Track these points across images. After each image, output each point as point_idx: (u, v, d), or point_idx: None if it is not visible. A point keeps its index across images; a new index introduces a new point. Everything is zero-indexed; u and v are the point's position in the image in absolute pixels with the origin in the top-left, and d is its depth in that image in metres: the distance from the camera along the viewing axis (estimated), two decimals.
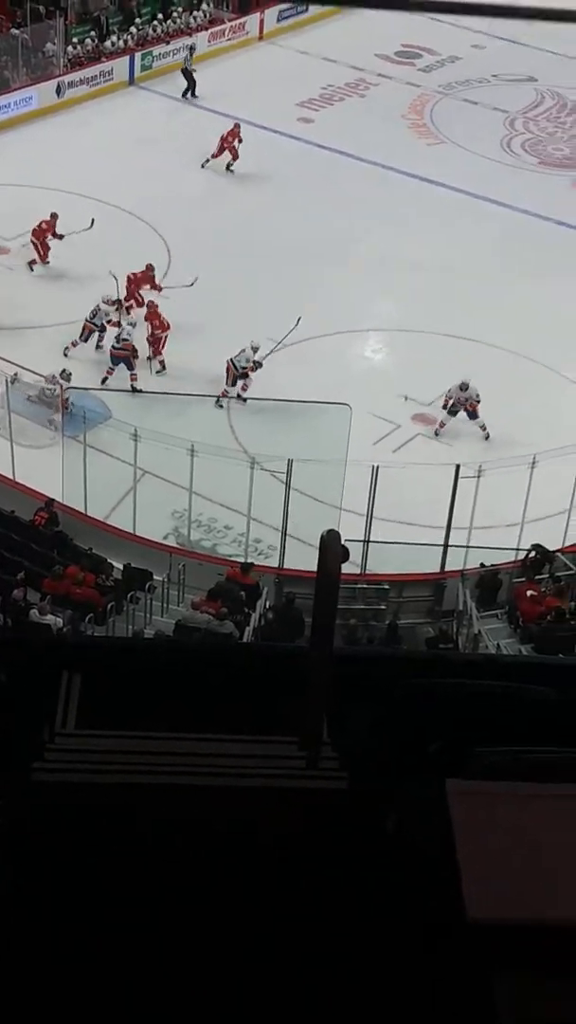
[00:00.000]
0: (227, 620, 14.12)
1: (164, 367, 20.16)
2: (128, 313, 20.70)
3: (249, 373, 19.36)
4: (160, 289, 21.35)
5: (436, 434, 19.17)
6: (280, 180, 26.48)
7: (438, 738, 2.52)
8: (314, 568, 2.74)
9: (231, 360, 19.35)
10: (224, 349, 19.48)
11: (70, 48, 30.46)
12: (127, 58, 31.22)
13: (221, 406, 19.31)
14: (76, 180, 25.06)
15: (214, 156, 26.54)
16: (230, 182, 26.32)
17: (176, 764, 2.66)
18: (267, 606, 15.55)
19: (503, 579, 16.23)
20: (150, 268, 21.62)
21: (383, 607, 16.09)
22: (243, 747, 2.76)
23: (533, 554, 16.19)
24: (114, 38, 31.48)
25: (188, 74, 30.51)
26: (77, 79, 30.16)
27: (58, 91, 29.71)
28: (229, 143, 26.47)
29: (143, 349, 19.97)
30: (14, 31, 29.83)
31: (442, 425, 19.18)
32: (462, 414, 19.03)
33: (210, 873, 2.34)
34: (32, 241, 22.72)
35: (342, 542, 2.92)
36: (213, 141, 26.73)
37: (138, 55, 31.43)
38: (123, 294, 21.01)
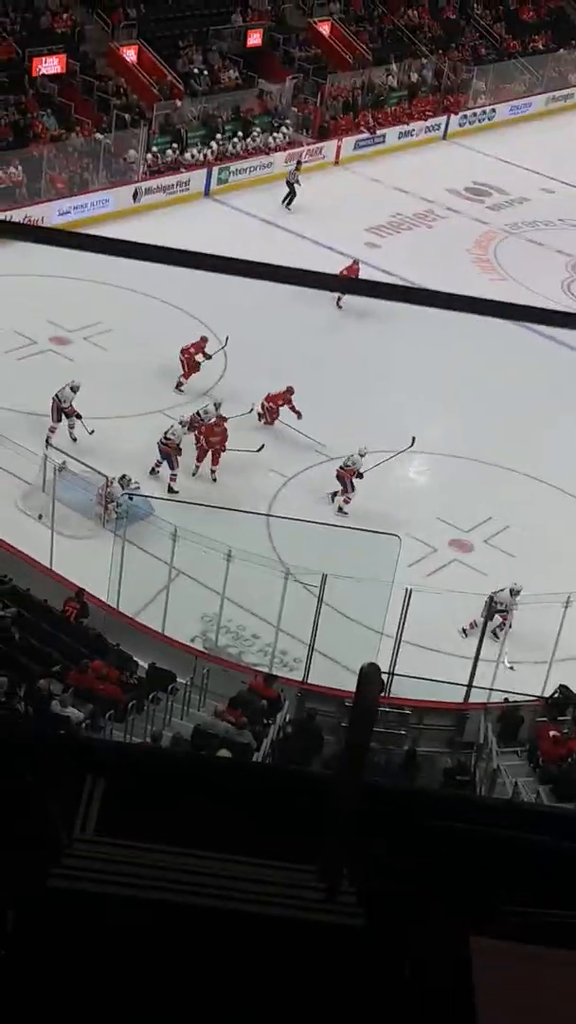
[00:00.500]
0: (246, 730, 14.02)
1: (215, 477, 20.33)
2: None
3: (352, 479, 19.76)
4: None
5: (464, 633, 17.41)
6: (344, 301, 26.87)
7: (460, 885, 2.49)
8: (337, 685, 2.73)
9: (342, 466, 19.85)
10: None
11: (150, 156, 31.30)
12: (205, 171, 32.03)
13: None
14: (144, 281, 25.53)
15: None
16: (285, 299, 26.66)
17: (191, 883, 2.64)
18: (287, 719, 15.43)
19: (524, 716, 16.06)
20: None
21: (403, 732, 15.92)
22: (260, 871, 2.73)
23: (557, 695, 16.05)
24: (194, 150, 32.33)
25: (291, 185, 31.56)
26: (154, 186, 30.94)
27: (135, 196, 30.47)
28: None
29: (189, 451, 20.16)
30: (98, 135, 30.71)
31: (472, 626, 17.25)
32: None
33: (216, 1001, 2.31)
34: (181, 360, 22.73)
35: (381, 675, 2.92)
36: (273, 253, 27.20)
37: (216, 169, 32.25)
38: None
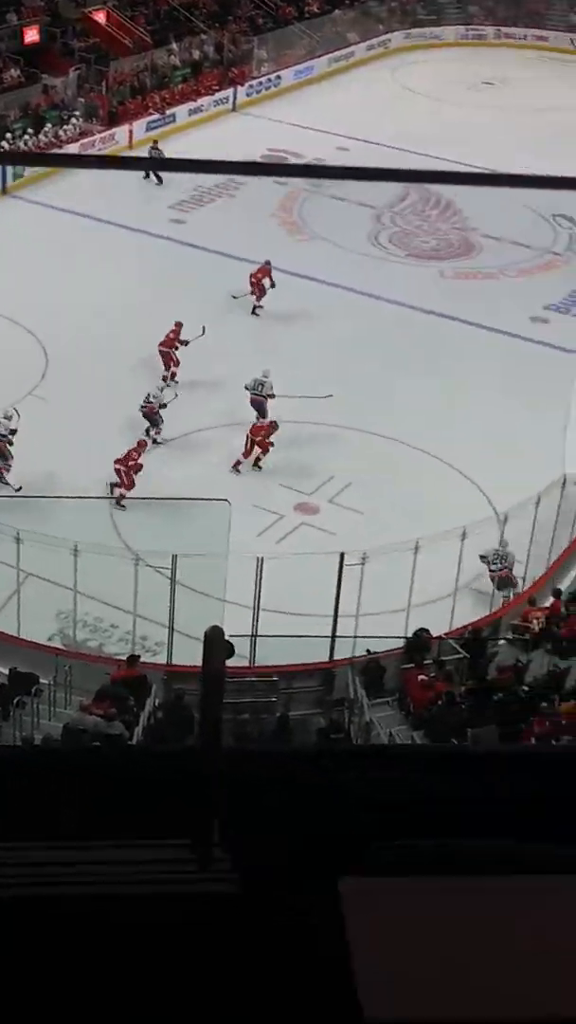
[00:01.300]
0: (116, 721, 13.90)
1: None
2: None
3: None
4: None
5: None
6: (154, 280, 26.70)
7: (331, 835, 2.48)
8: (200, 662, 2.71)
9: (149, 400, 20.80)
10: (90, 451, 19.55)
11: None
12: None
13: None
14: None
15: (252, 295, 25.61)
16: (102, 282, 26.39)
17: (64, 874, 2.58)
18: (156, 704, 15.36)
19: (386, 665, 16.29)
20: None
21: (273, 699, 16.00)
22: (133, 853, 2.69)
23: (414, 638, 16.34)
24: None
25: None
26: None
27: None
28: (258, 280, 25.60)
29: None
30: None
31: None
32: None
33: (97, 983, 2.26)
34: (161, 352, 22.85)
35: (226, 637, 2.89)
36: (83, 249, 26.99)
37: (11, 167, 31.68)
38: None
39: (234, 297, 25.31)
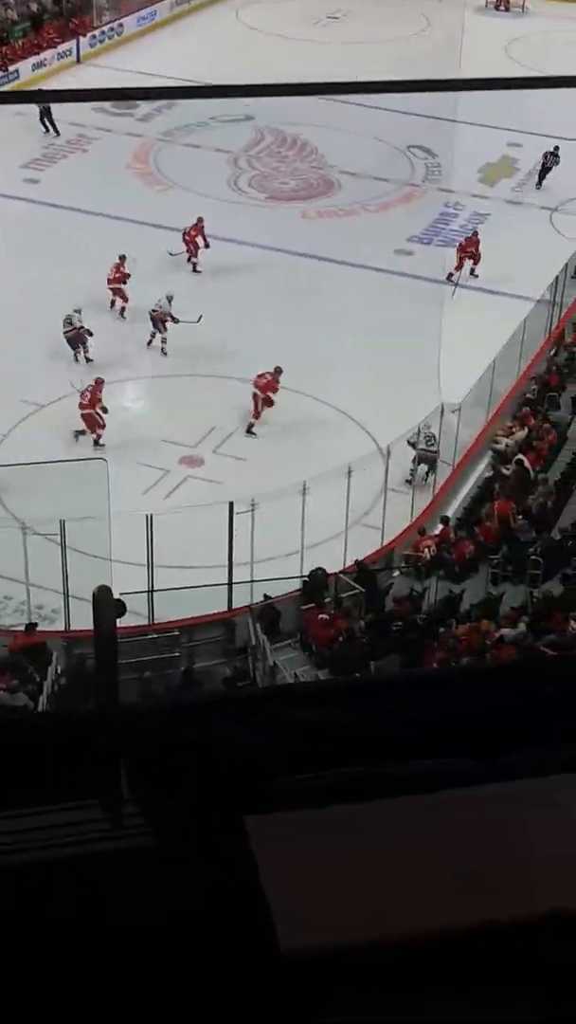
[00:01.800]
0: (19, 692, 13.81)
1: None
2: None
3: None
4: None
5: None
6: (13, 242, 26.23)
7: (236, 778, 2.50)
8: None
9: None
10: None
11: None
12: None
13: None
14: None
15: (185, 252, 25.68)
16: None
17: None
18: (58, 671, 15.28)
19: (286, 608, 16.42)
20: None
21: (176, 654, 16.03)
22: (42, 819, 2.68)
23: (309, 578, 16.49)
24: None
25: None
26: None
27: None
28: (192, 238, 25.53)
29: None
30: None
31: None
32: None
33: (20, 951, 2.26)
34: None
35: (116, 596, 2.88)
36: None
37: None
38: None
39: (171, 254, 25.41)
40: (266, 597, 16.37)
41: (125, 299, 23.48)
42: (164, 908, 2.17)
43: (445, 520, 18.24)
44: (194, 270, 25.52)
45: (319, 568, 16.60)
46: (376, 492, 17.87)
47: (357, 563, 17.05)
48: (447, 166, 29.93)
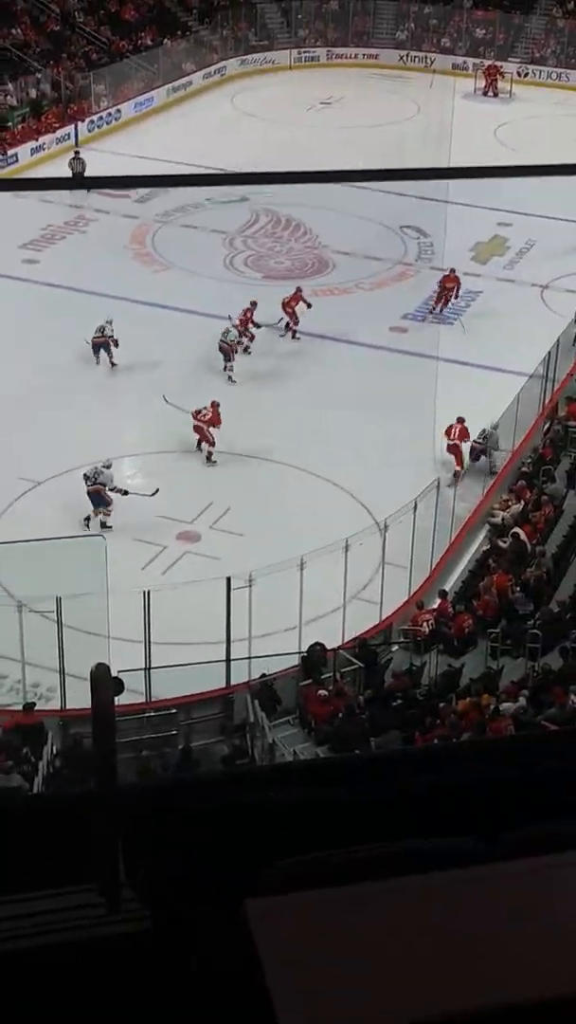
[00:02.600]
0: (13, 773, 13.67)
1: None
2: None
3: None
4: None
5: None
6: (12, 322, 26.44)
7: (235, 859, 2.47)
8: None
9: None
10: None
11: None
12: None
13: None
14: None
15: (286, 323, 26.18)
16: None
17: None
18: (54, 751, 15.14)
19: (284, 684, 16.35)
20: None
21: (174, 732, 15.91)
22: (39, 904, 2.64)
23: (308, 654, 16.42)
24: None
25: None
26: None
27: None
28: (292, 306, 25.93)
29: None
30: None
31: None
32: None
33: None
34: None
35: (114, 674, 2.87)
36: None
37: None
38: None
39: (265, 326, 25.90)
40: (264, 675, 16.27)
41: (250, 339, 25.08)
42: (162, 994, 2.14)
43: (443, 594, 18.21)
44: (293, 337, 26.11)
45: (317, 644, 16.53)
46: (374, 567, 17.85)
47: (360, 639, 16.98)
48: (439, 245, 30.29)
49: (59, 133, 38.37)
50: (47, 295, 27.87)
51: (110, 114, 40.65)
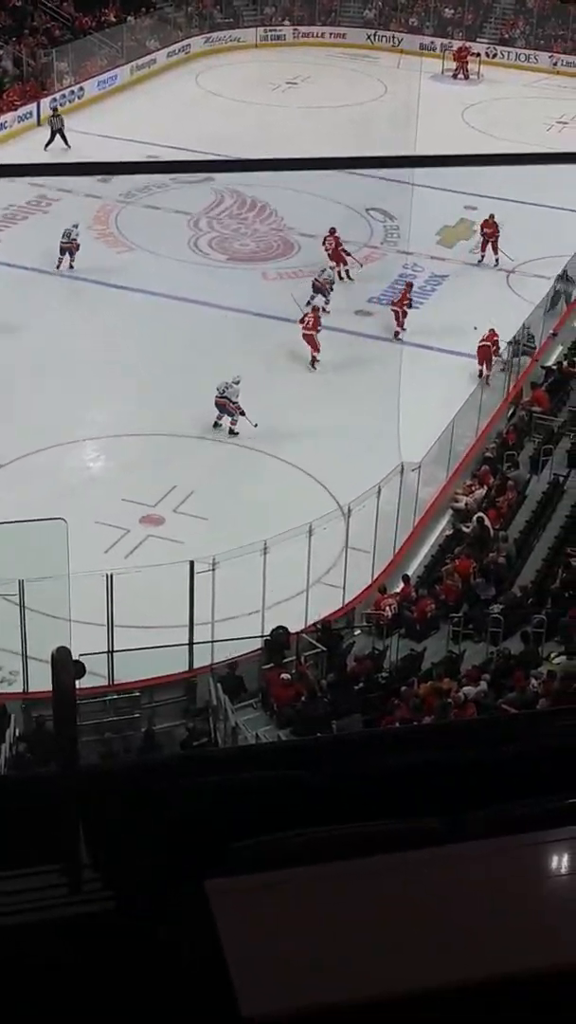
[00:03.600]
0: None
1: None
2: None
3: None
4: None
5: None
6: None
7: (196, 840, 2.49)
8: None
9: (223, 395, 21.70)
10: None
11: None
12: None
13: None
14: None
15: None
16: None
17: None
18: (16, 734, 15.11)
19: (247, 668, 16.37)
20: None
21: (137, 715, 15.91)
22: (4, 885, 2.65)
23: (271, 638, 16.44)
24: None
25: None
26: None
27: None
28: (402, 304, 25.89)
29: None
30: None
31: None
32: None
33: None
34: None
35: (76, 658, 2.87)
36: None
37: None
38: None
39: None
40: (227, 658, 16.29)
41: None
42: (125, 975, 2.15)
43: (406, 578, 18.28)
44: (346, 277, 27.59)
45: (280, 627, 16.56)
46: (337, 551, 17.89)
47: (322, 622, 17.03)
48: (405, 228, 30.29)
49: (21, 111, 38.02)
50: (8, 275, 27.68)
51: (73, 92, 40.33)
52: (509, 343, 23.88)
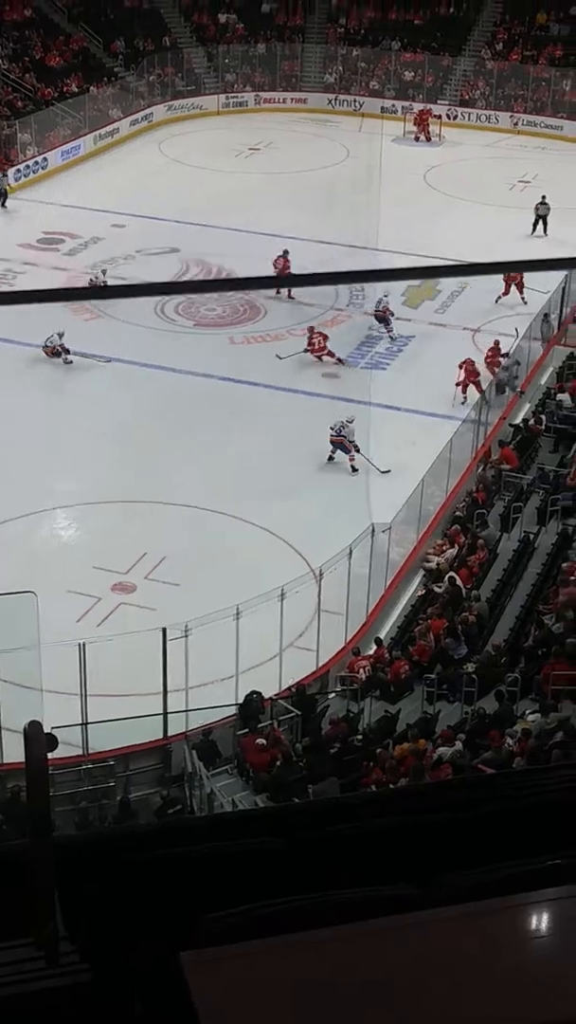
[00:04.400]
0: None
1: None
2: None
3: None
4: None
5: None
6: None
7: (173, 910, 2.48)
8: None
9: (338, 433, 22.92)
10: None
11: None
12: None
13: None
14: None
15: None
16: None
17: None
18: None
19: (222, 734, 16.28)
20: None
21: (112, 783, 15.78)
22: None
23: (246, 704, 16.37)
24: None
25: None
26: None
27: None
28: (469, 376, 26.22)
29: None
30: None
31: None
32: None
33: None
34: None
35: (49, 730, 2.88)
36: None
37: None
38: None
39: (279, 358, 27.13)
40: (202, 725, 16.20)
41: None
42: None
43: (379, 640, 18.27)
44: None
45: (254, 693, 16.50)
46: (310, 614, 17.88)
47: (294, 687, 16.97)
48: (370, 290, 30.58)
49: None
50: None
51: (36, 162, 40.72)
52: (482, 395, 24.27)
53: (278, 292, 30.29)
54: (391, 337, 28.30)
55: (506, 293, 29.88)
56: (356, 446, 22.79)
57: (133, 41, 48.01)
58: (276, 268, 29.86)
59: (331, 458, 23.05)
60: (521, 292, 29.73)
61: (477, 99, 48.34)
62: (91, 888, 2.72)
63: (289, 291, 30.44)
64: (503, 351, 26.28)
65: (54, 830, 2.73)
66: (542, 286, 29.05)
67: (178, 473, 22.22)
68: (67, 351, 26.60)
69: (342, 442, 22.92)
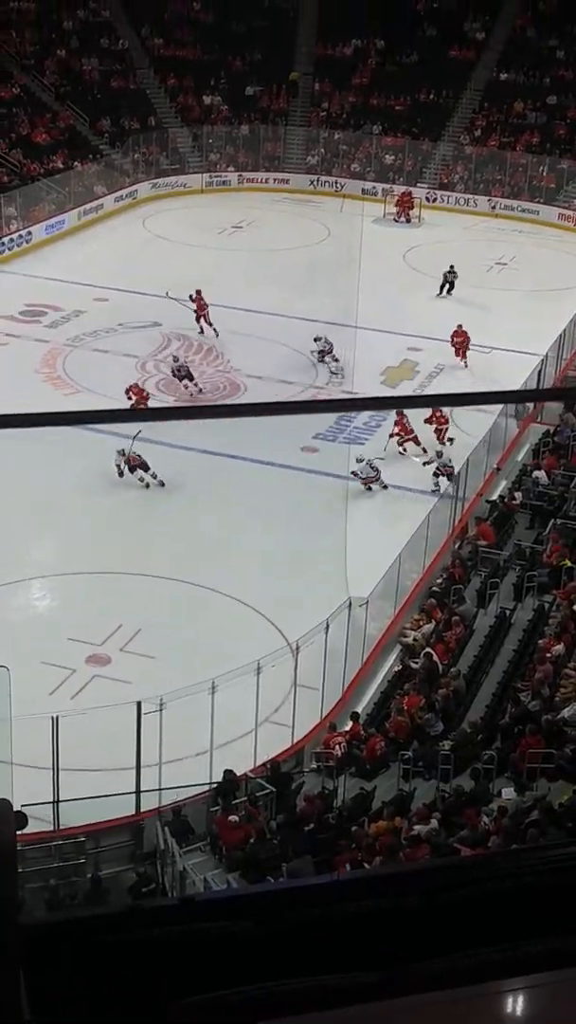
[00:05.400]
0: None
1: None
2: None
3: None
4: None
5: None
6: None
7: (142, 996, 2.42)
8: None
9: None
10: None
11: None
12: None
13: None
14: None
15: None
16: None
17: None
18: None
19: (195, 810, 16.09)
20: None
21: (83, 860, 15.54)
22: None
23: (221, 781, 16.20)
24: None
25: None
26: None
27: None
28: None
29: None
30: None
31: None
32: None
33: None
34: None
35: (18, 807, 2.83)
36: None
37: None
38: None
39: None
40: (174, 801, 16.00)
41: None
42: None
43: (355, 716, 18.16)
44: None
45: (228, 771, 16.34)
46: (286, 688, 17.78)
47: (270, 763, 16.82)
48: (349, 369, 30.83)
49: None
50: None
51: (21, 236, 41.11)
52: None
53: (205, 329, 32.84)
54: (331, 371, 30.62)
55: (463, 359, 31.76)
56: (376, 477, 24.95)
57: (119, 120, 48.76)
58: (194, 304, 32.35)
59: (368, 488, 25.04)
60: (464, 356, 31.57)
61: (456, 183, 49.25)
62: (59, 973, 2.65)
63: (212, 326, 32.81)
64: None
65: (22, 907, 2.67)
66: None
67: (155, 544, 22.18)
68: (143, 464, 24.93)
69: (369, 484, 24.91)
